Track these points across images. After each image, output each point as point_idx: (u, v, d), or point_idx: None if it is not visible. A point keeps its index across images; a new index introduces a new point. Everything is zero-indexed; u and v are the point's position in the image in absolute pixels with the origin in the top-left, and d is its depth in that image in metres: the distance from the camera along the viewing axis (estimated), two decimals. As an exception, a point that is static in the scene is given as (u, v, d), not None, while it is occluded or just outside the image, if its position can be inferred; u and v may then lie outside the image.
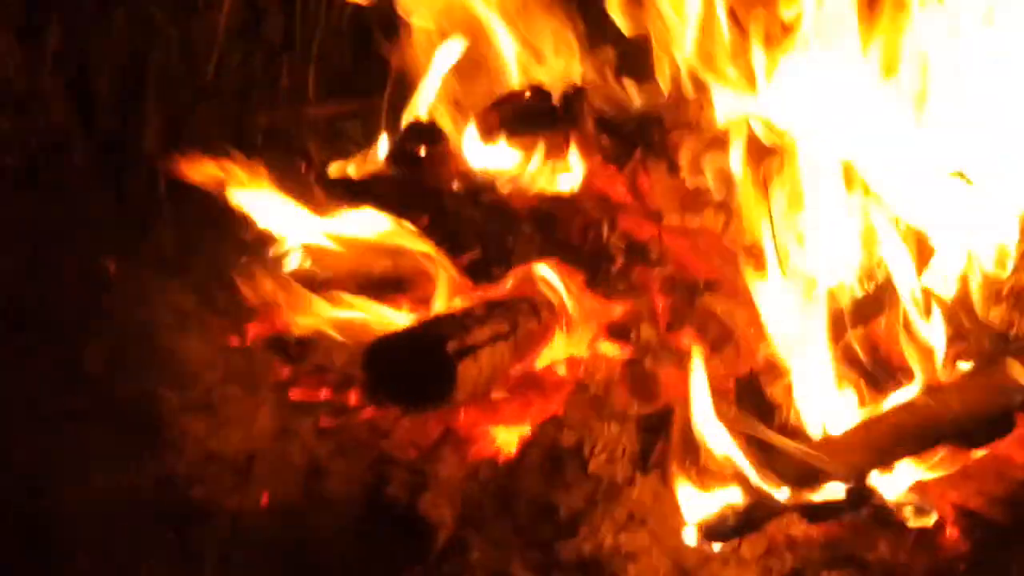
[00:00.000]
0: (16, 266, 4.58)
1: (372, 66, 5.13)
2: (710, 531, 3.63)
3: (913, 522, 3.73)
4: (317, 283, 4.37)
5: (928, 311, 3.91)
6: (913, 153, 4.13)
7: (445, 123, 4.59)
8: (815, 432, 3.82)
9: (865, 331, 4.00)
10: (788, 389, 3.93)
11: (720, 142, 4.30)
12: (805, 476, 3.67)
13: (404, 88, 4.74)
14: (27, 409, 4.13)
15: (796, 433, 3.80)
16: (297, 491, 3.91)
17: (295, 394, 4.16)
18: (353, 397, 4.09)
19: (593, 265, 4.17)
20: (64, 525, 3.79)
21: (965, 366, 3.89)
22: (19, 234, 4.68)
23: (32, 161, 4.86)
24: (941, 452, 3.75)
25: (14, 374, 4.22)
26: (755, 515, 3.64)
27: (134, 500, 3.87)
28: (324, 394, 4.15)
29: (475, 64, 4.74)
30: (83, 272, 4.61)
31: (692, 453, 3.81)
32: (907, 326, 3.92)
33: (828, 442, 3.78)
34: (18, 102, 4.87)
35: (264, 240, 4.55)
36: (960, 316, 3.94)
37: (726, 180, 4.27)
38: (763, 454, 3.70)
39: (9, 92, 4.87)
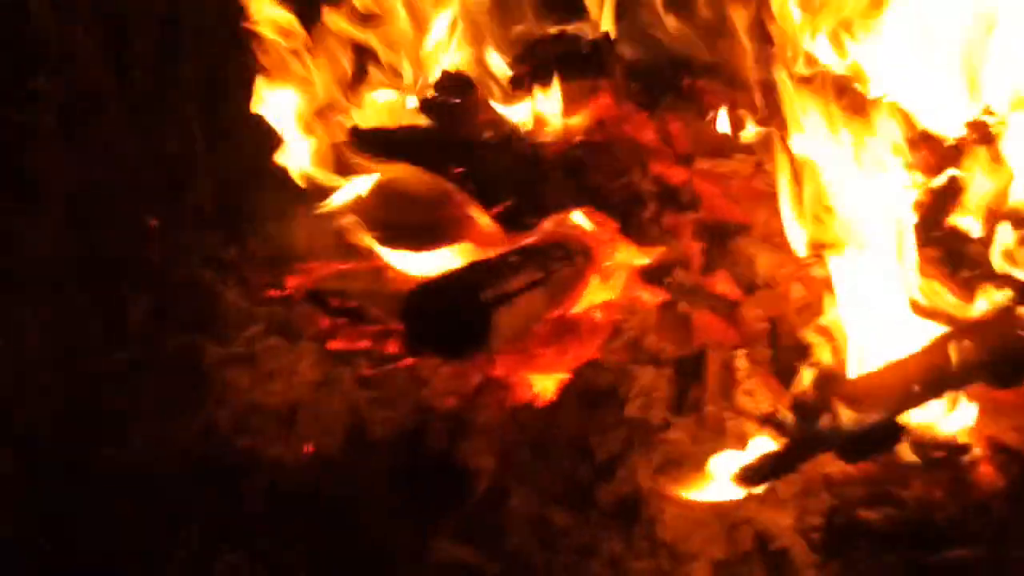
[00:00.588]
0: (57, 223, 4.61)
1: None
2: (746, 473, 3.65)
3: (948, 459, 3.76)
4: (353, 233, 4.42)
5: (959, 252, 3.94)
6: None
7: (475, 72, 4.61)
8: (850, 371, 3.84)
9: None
10: (822, 330, 3.95)
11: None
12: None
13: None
14: (73, 364, 4.16)
15: (830, 373, 3.82)
16: (339, 440, 3.94)
17: (335, 344, 4.21)
18: (392, 346, 4.13)
19: (626, 211, 4.19)
20: (111, 477, 3.83)
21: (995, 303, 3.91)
22: (59, 192, 4.71)
23: (70, 119, 4.87)
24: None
25: (59, 330, 4.26)
26: (790, 456, 3.66)
27: (179, 451, 3.91)
28: (363, 344, 4.19)
29: (503, 9, 4.76)
30: (124, 228, 4.64)
31: (727, 394, 3.85)
32: (939, 264, 3.95)
33: (863, 381, 3.80)
34: (54, 61, 4.89)
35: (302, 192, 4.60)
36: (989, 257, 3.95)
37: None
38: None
39: (45, 51, 4.89)
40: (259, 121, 4.70)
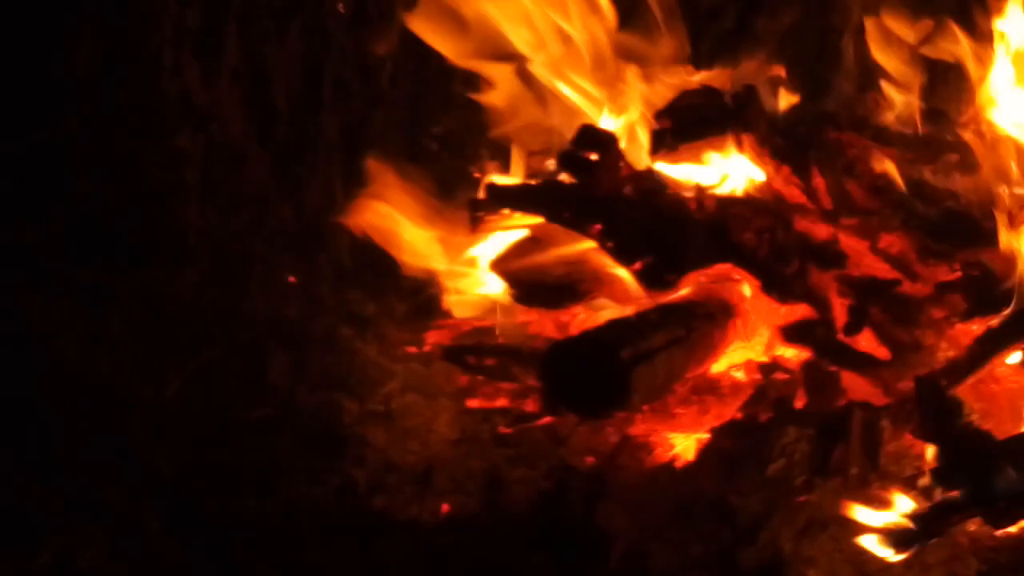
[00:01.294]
0: (200, 279, 4.66)
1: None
2: (892, 538, 3.58)
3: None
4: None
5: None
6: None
7: (616, 127, 4.58)
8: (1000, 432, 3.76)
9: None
10: (972, 388, 3.87)
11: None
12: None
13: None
14: (215, 419, 4.19)
15: (979, 433, 3.74)
16: (476, 500, 3.92)
17: (473, 402, 4.19)
18: (530, 404, 4.11)
19: (769, 268, 4.13)
20: (250, 533, 3.83)
21: None
22: (202, 248, 4.75)
23: (212, 175, 4.92)
24: None
25: (202, 385, 4.29)
26: (938, 520, 3.58)
27: (317, 509, 3.91)
28: (502, 401, 4.18)
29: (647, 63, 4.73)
30: (265, 283, 4.68)
31: (872, 456, 3.78)
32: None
33: (1014, 441, 3.71)
34: (197, 117, 4.94)
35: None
36: None
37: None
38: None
39: (188, 107, 4.94)
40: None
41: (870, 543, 3.57)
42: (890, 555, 3.56)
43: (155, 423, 4.13)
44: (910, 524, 3.57)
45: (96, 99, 4.87)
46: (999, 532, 3.63)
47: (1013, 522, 3.62)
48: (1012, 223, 4.12)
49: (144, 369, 4.29)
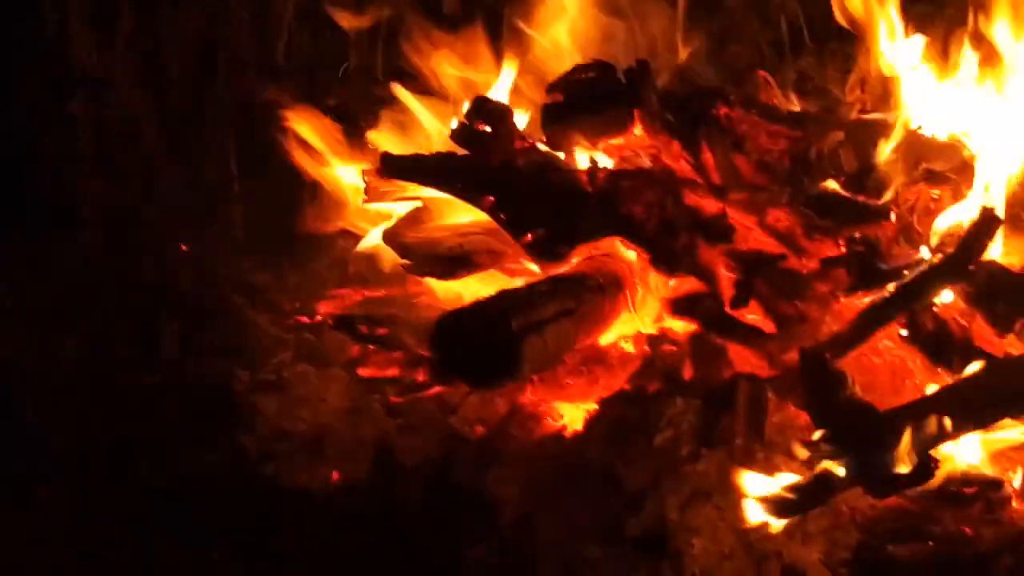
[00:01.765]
0: (93, 247, 4.64)
1: (441, 45, 5.16)
2: (775, 506, 3.63)
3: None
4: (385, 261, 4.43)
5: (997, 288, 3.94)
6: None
7: (509, 100, 4.60)
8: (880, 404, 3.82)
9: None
10: (853, 362, 3.93)
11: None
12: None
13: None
14: (106, 388, 4.18)
15: (861, 405, 3.80)
16: (366, 468, 3.94)
17: (364, 371, 4.20)
18: (421, 374, 4.13)
19: (658, 241, 4.16)
20: (142, 500, 3.85)
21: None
22: (95, 216, 4.74)
23: (106, 145, 4.91)
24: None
25: (93, 354, 4.28)
26: (820, 490, 3.64)
27: (209, 477, 3.92)
28: (392, 371, 4.19)
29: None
30: (157, 253, 4.66)
31: (757, 427, 3.83)
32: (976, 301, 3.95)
33: (894, 415, 3.78)
34: (91, 87, 4.92)
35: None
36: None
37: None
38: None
39: (83, 77, 4.93)
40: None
41: (753, 511, 3.63)
42: (772, 523, 3.61)
43: (46, 391, 4.12)
44: (792, 494, 3.63)
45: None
46: (879, 502, 3.71)
47: (893, 492, 3.69)
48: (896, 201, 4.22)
49: (35, 338, 4.27)
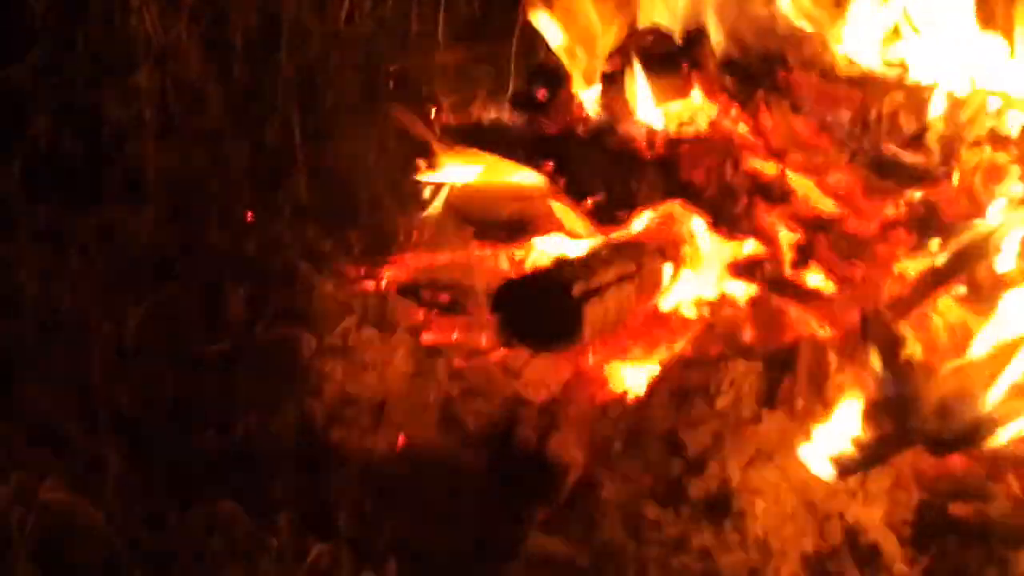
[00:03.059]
0: (157, 217, 4.68)
1: (501, 11, 5.17)
2: (836, 465, 3.65)
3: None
4: (448, 227, 4.46)
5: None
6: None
7: (568, 66, 4.61)
8: (943, 364, 3.82)
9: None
10: (916, 322, 3.94)
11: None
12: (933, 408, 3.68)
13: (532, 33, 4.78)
14: (173, 354, 4.23)
15: (923, 366, 3.81)
16: (431, 432, 3.98)
17: (428, 336, 4.24)
18: (485, 339, 4.16)
19: (717, 205, 4.19)
20: (209, 466, 3.88)
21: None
22: (160, 186, 4.78)
23: (170, 114, 4.95)
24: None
25: (159, 321, 4.32)
26: (881, 448, 3.66)
27: (275, 442, 3.96)
28: (456, 336, 4.22)
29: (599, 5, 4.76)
30: (222, 220, 4.70)
31: (819, 388, 3.84)
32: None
33: (957, 373, 3.78)
34: (155, 56, 4.96)
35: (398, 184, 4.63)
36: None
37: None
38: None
39: (147, 47, 4.96)
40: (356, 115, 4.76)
41: (815, 466, 3.65)
42: (833, 478, 3.63)
43: (115, 357, 4.16)
44: (854, 452, 3.65)
45: (54, 38, 4.89)
46: (941, 461, 3.72)
47: (954, 450, 3.70)
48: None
49: (103, 305, 4.31)
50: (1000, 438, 3.67)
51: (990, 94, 4.39)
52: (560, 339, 3.86)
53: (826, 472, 3.64)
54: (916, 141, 4.30)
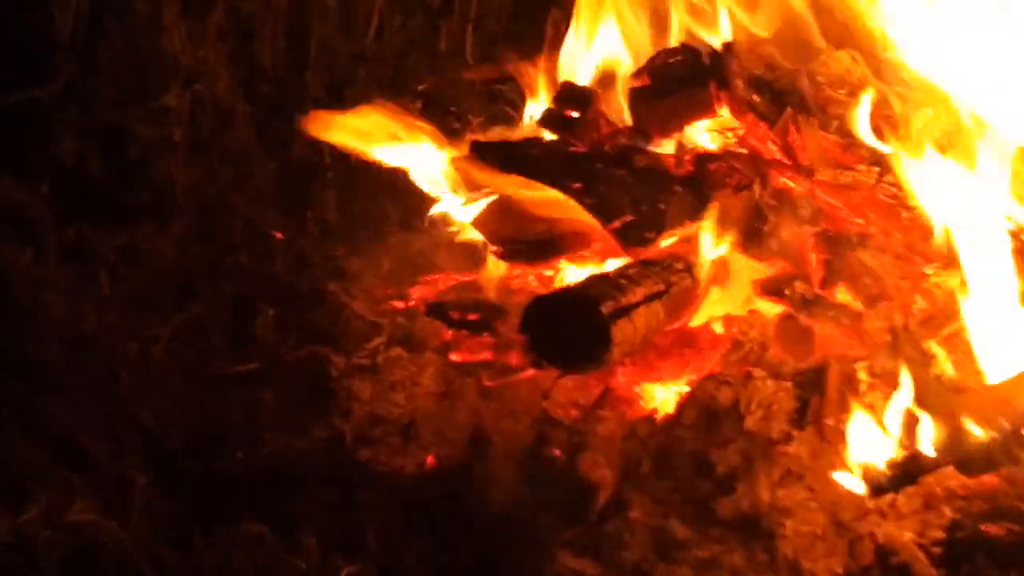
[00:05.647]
0: (186, 235, 4.69)
1: (529, 29, 5.17)
2: (868, 484, 3.64)
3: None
4: (475, 246, 4.46)
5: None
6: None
7: (597, 85, 4.61)
8: (973, 383, 3.81)
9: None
10: (946, 341, 3.92)
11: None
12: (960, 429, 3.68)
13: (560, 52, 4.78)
14: (201, 373, 4.23)
15: (953, 384, 3.80)
16: (460, 451, 3.98)
17: (457, 356, 4.24)
18: (514, 358, 4.15)
19: (746, 223, 4.18)
20: (237, 487, 3.88)
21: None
22: (188, 204, 4.79)
23: (198, 132, 4.96)
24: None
25: (188, 340, 4.33)
26: (911, 468, 3.64)
27: (304, 462, 3.96)
28: (485, 355, 4.22)
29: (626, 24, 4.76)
30: (250, 239, 4.71)
31: (847, 408, 3.83)
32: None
33: (988, 392, 3.77)
34: (183, 75, 4.97)
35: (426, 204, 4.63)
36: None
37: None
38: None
39: (175, 66, 4.98)
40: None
41: (847, 485, 3.64)
42: (865, 499, 3.62)
43: (142, 377, 4.16)
44: (885, 472, 3.64)
45: (83, 57, 4.91)
46: (972, 480, 3.70)
47: (986, 471, 3.68)
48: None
49: (131, 325, 4.32)
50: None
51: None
52: (589, 358, 3.85)
53: (857, 491, 3.64)
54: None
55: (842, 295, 4.09)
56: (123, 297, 4.43)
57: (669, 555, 3.65)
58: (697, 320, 4.15)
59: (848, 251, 4.13)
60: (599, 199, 4.14)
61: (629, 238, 4.08)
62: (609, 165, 4.30)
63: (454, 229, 4.54)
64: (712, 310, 4.16)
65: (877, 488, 3.64)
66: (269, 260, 4.66)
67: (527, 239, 4.28)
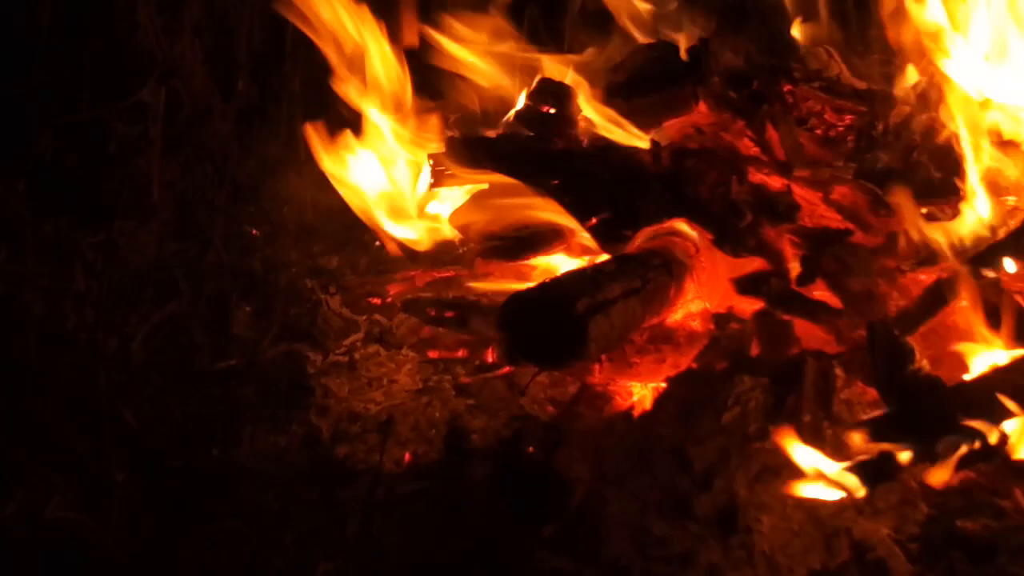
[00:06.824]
0: (164, 232, 4.69)
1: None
2: (843, 482, 3.63)
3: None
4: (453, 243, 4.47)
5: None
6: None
7: (573, 81, 4.61)
8: (949, 379, 3.82)
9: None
10: (922, 338, 3.93)
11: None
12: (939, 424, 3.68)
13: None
14: (179, 370, 4.23)
15: (929, 380, 3.80)
16: (437, 448, 3.98)
17: (434, 353, 4.24)
18: (490, 355, 4.16)
19: (722, 221, 4.17)
20: (214, 483, 3.89)
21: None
22: (165, 201, 4.79)
23: (176, 130, 4.95)
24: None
25: (166, 337, 4.33)
26: (888, 464, 3.64)
27: (281, 459, 3.97)
28: (462, 352, 4.22)
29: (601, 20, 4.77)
30: (228, 236, 4.71)
31: (825, 403, 3.83)
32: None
33: (962, 388, 3.77)
34: (161, 72, 4.97)
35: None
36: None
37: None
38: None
39: (151, 62, 4.97)
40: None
41: (820, 488, 3.64)
42: (841, 499, 3.62)
43: (120, 374, 4.16)
44: (860, 468, 3.64)
45: (59, 55, 4.90)
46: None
47: (963, 467, 3.68)
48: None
49: (109, 321, 4.31)
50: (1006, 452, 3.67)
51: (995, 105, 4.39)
52: (566, 355, 3.84)
53: (833, 493, 3.63)
54: (924, 153, 4.30)
55: (819, 291, 4.09)
56: (101, 294, 4.41)
57: (647, 551, 3.63)
58: (675, 316, 4.15)
59: (825, 248, 4.14)
60: (576, 196, 4.15)
61: (606, 235, 4.08)
62: (586, 162, 4.30)
63: (432, 226, 4.54)
64: (690, 306, 4.15)
65: (853, 484, 3.63)
66: (247, 257, 4.66)
67: (504, 235, 4.29)
